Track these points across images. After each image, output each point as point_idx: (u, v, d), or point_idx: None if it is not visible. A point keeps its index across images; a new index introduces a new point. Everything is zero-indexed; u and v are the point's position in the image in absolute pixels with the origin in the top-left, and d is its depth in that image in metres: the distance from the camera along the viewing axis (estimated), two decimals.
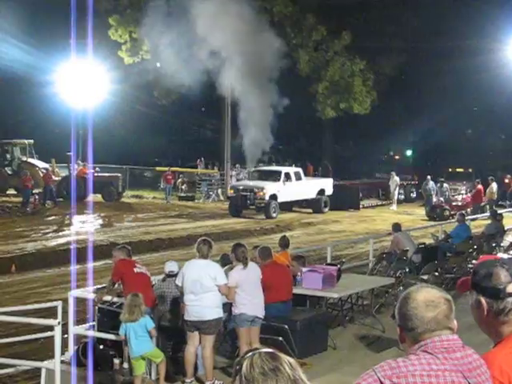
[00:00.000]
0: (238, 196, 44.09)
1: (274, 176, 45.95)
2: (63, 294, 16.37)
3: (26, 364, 14.85)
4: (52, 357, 13.93)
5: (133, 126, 43.08)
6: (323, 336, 15.82)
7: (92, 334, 15.22)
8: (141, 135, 55.50)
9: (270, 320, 14.36)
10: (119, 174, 50.40)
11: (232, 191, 45.09)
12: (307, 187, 47.53)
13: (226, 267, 14.84)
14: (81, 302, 15.99)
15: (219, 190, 54.47)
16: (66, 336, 15.01)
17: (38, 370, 14.64)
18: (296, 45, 54.00)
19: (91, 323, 15.57)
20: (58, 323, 14.21)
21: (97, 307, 15.47)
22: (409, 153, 65.53)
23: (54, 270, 26.86)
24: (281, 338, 14.35)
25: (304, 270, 17.04)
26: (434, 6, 50.58)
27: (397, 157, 66.58)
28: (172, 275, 14.66)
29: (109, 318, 15.36)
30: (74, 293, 15.84)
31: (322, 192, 48.39)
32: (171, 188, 52.43)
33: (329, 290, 16.76)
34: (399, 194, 52.69)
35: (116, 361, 14.92)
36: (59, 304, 15.39)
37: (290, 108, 50.60)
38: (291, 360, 3.45)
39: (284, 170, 47.38)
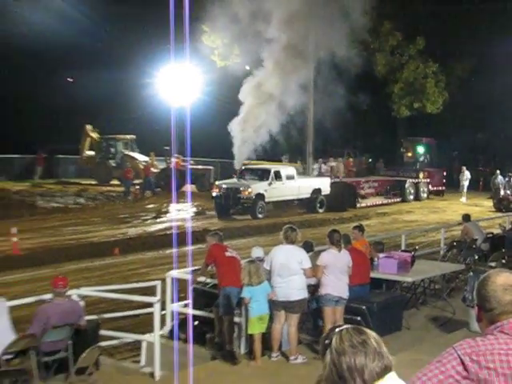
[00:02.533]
0: (223, 195, 39.65)
1: (262, 175, 41.24)
2: (161, 275, 16.46)
3: (129, 337, 14.99)
4: (151, 331, 14.05)
5: (223, 123, 42.82)
6: (398, 317, 15.75)
7: (188, 311, 15.29)
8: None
9: (350, 301, 14.35)
10: (211, 167, 50.83)
11: (217, 190, 40.09)
12: (300, 187, 42.60)
13: (310, 253, 14.82)
14: (178, 281, 16.03)
15: None
16: (163, 312, 15.12)
17: (139, 342, 14.78)
18: (374, 49, 54.19)
19: (187, 301, 15.63)
20: (158, 301, 14.34)
21: (192, 287, 15.54)
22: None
23: (152, 252, 27.04)
24: (359, 318, 14.30)
25: (381, 256, 17.04)
26: (502, 12, 49.88)
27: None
28: (259, 260, 14.64)
29: (202, 297, 15.45)
30: (173, 273, 15.93)
31: (317, 191, 43.60)
32: None
33: (403, 274, 16.82)
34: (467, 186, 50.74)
35: (208, 335, 15.01)
36: (158, 283, 15.51)
37: (368, 107, 50.55)
38: (376, 335, 3.49)
39: (274, 168, 42.54)
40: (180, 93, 42.70)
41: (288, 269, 13.64)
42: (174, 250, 23.01)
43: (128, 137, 50.60)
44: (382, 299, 15.58)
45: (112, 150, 50.72)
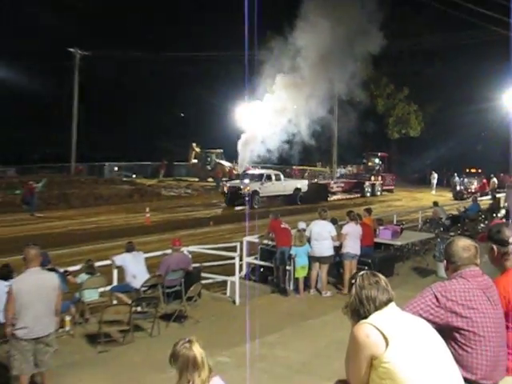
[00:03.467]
0: (229, 191, 37.15)
1: (257, 177, 38.10)
2: (239, 239, 16.52)
3: (219, 278, 15.08)
4: (233, 274, 14.19)
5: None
6: (391, 267, 15.69)
7: (256, 262, 15.38)
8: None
9: (360, 256, 14.40)
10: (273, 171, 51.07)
11: (226, 188, 37.72)
12: (285, 186, 39.54)
13: (335, 226, 14.86)
14: (250, 243, 16.12)
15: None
16: (241, 263, 15.23)
17: (225, 281, 14.91)
18: (376, 95, 54.28)
19: (256, 256, 15.70)
20: (237, 255, 14.48)
21: (259, 247, 15.62)
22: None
23: (234, 224, 27.14)
24: (366, 268, 14.26)
25: (380, 228, 17.06)
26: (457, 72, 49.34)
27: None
28: (303, 230, 14.68)
29: (266, 253, 15.50)
30: (246, 238, 16.01)
31: (297, 189, 40.03)
32: None
33: (395, 240, 16.82)
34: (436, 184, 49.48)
35: (269, 278, 15.08)
36: (238, 244, 15.61)
37: (372, 131, 50.11)
38: (384, 278, 3.60)
39: (266, 172, 39.33)
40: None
41: (321, 235, 13.80)
42: (247, 223, 23.17)
43: (218, 150, 50.99)
44: (381, 255, 15.61)
45: (208, 159, 51.13)
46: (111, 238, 23.22)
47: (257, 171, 40.44)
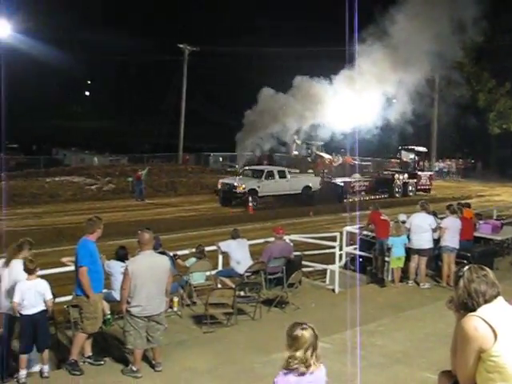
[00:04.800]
0: (222, 190, 32.40)
1: (258, 174, 33.12)
2: (339, 229, 16.41)
3: (319, 266, 15.08)
4: (333, 263, 14.17)
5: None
6: (491, 261, 15.06)
7: (356, 252, 15.25)
8: None
9: (460, 250, 13.97)
10: (370, 162, 50.33)
11: (220, 185, 32.75)
12: (291, 184, 33.84)
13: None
14: (349, 233, 15.99)
15: None
16: (340, 252, 15.15)
17: (325, 270, 14.89)
18: (478, 90, 52.38)
19: (355, 246, 15.57)
20: (337, 245, 14.42)
21: (359, 237, 15.47)
22: None
23: (336, 215, 27.06)
24: (465, 261, 13.87)
25: (480, 222, 16.53)
26: None
27: None
28: (403, 222, 14.44)
29: (365, 244, 15.32)
30: (347, 228, 15.89)
31: (307, 188, 34.51)
32: None
33: (495, 234, 16.27)
34: None
35: (368, 268, 14.91)
36: (338, 234, 15.53)
37: (473, 126, 48.42)
38: (491, 271, 3.50)
39: (267, 169, 34.11)
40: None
41: (421, 228, 13.49)
42: (347, 214, 23.00)
43: (319, 143, 50.77)
44: (480, 250, 15.03)
45: (309, 151, 50.98)
46: (216, 225, 23.70)
47: (257, 167, 35.39)
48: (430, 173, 43.00)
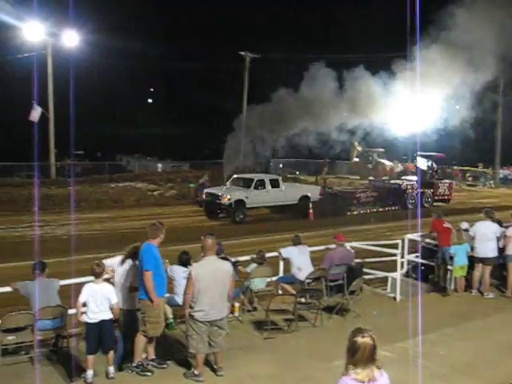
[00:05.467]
0: (206, 200, 29.74)
1: (247, 183, 30.08)
2: (400, 236, 16.16)
3: (380, 274, 14.89)
4: (394, 271, 14.03)
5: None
6: None
7: (418, 260, 15.02)
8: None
9: None
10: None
11: (205, 196, 29.97)
12: (286, 194, 30.61)
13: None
14: (411, 241, 15.75)
15: (491, 182, 51.01)
16: (402, 260, 14.95)
17: (386, 277, 14.71)
18: None
19: (417, 254, 15.32)
20: (399, 253, 14.25)
21: (421, 245, 15.23)
22: None
23: (395, 222, 26.68)
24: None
25: None
26: None
27: None
28: (465, 230, 14.17)
29: (427, 252, 15.07)
30: (408, 236, 15.65)
31: (305, 199, 31.08)
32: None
33: None
34: None
35: (430, 276, 14.67)
36: (399, 241, 15.33)
37: None
38: None
39: (257, 177, 30.83)
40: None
41: (486, 236, 13.22)
42: (408, 221, 22.64)
43: (380, 149, 50.27)
44: None
45: (370, 157, 50.61)
46: (277, 231, 23.74)
47: (247, 175, 32.27)
48: (449, 181, 39.35)
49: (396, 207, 33.81)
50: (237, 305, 11.30)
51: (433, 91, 34.01)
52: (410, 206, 33.79)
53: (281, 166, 52.70)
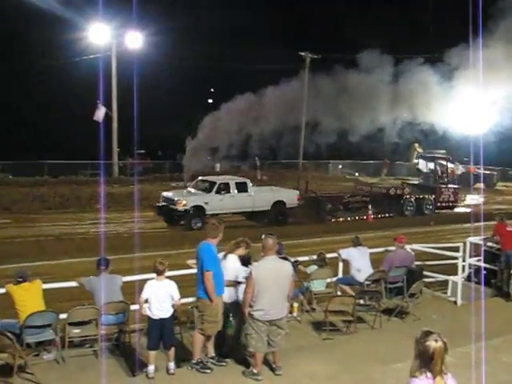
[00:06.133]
0: (162, 205, 27.02)
1: (208, 187, 27.23)
2: (461, 239, 15.82)
3: (441, 277, 14.70)
4: (455, 274, 13.78)
5: None
6: None
7: (480, 264, 14.69)
8: None
9: None
10: (495, 172, 48.54)
11: (161, 200, 27.28)
12: (255, 199, 27.50)
13: None
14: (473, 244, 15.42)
15: None
16: (463, 263, 14.64)
17: (446, 281, 14.47)
18: None
19: (479, 257, 14.99)
20: (460, 256, 13.99)
21: (483, 249, 14.89)
22: None
23: (455, 225, 26.25)
24: None
25: None
26: None
27: None
28: None
29: (490, 256, 14.74)
30: (470, 239, 15.32)
31: (279, 204, 28.15)
32: None
33: None
34: None
35: (492, 281, 14.31)
36: (461, 245, 15.02)
37: None
38: None
39: (220, 180, 27.58)
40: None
41: None
42: (471, 224, 22.13)
43: (441, 151, 49.45)
44: None
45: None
46: (337, 232, 23.65)
47: (210, 178, 28.94)
48: (454, 186, 35.29)
49: (391, 214, 31.13)
50: (296, 305, 11.30)
51: (495, 90, 32.92)
52: (407, 213, 31.62)
53: (340, 167, 52.42)
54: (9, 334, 8.01)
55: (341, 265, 13.00)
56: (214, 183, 27.14)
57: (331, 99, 39.33)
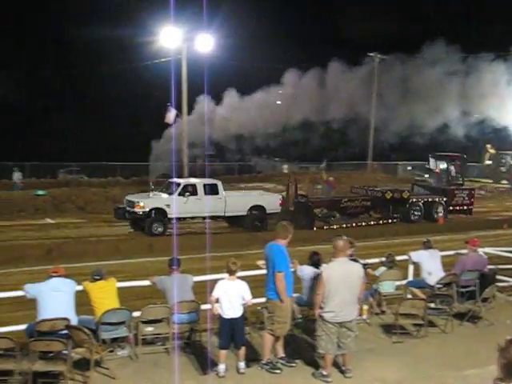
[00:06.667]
0: (123, 208, 24.96)
1: (172, 188, 25.04)
2: None
3: None
4: None
5: None
6: None
7: None
8: None
9: None
10: None
11: (125, 203, 25.04)
12: (228, 203, 25.13)
13: None
14: None
15: None
16: None
17: None
18: None
19: None
20: None
21: None
22: None
23: None
24: None
25: None
26: None
27: None
28: None
29: None
30: None
31: (258, 209, 25.66)
32: None
33: None
34: None
35: None
36: None
37: None
38: None
39: (186, 182, 25.59)
40: None
41: None
42: None
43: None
44: None
45: (503, 160, 48.57)
46: (408, 235, 23.32)
47: (177, 179, 26.63)
48: (469, 188, 32.50)
49: (395, 220, 28.26)
50: (365, 307, 11.19)
51: None
52: (413, 218, 28.53)
53: (409, 168, 51.61)
54: (86, 330, 8.26)
55: (411, 267, 12.81)
56: (179, 185, 25.07)
57: (398, 99, 38.92)
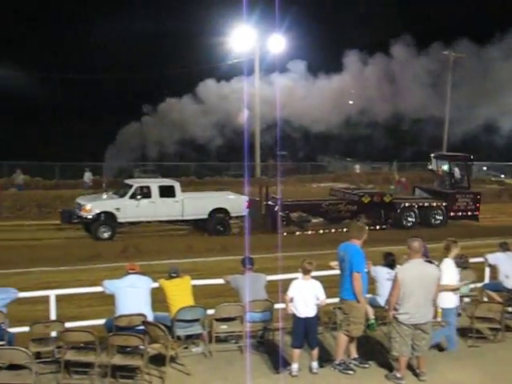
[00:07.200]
0: (67, 210, 23.78)
1: (124, 191, 23.67)
2: None
3: None
4: None
5: None
6: None
7: None
8: None
9: None
10: None
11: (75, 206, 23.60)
12: (186, 206, 23.77)
13: None
14: None
15: None
16: None
17: None
18: None
19: None
20: None
21: None
22: None
23: None
24: None
25: None
26: None
27: None
28: None
29: None
30: None
31: (221, 212, 24.39)
32: None
33: None
34: None
35: None
36: None
37: None
38: None
39: (138, 184, 24.00)
40: None
41: None
42: None
43: None
44: None
45: None
46: (483, 236, 22.69)
47: (130, 181, 25.38)
48: (475, 191, 29.73)
49: (384, 226, 26.15)
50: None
51: None
52: (406, 224, 26.46)
53: (484, 168, 50.22)
54: (162, 326, 8.42)
55: (487, 270, 12.45)
56: (131, 187, 23.71)
57: (473, 96, 38.00)
